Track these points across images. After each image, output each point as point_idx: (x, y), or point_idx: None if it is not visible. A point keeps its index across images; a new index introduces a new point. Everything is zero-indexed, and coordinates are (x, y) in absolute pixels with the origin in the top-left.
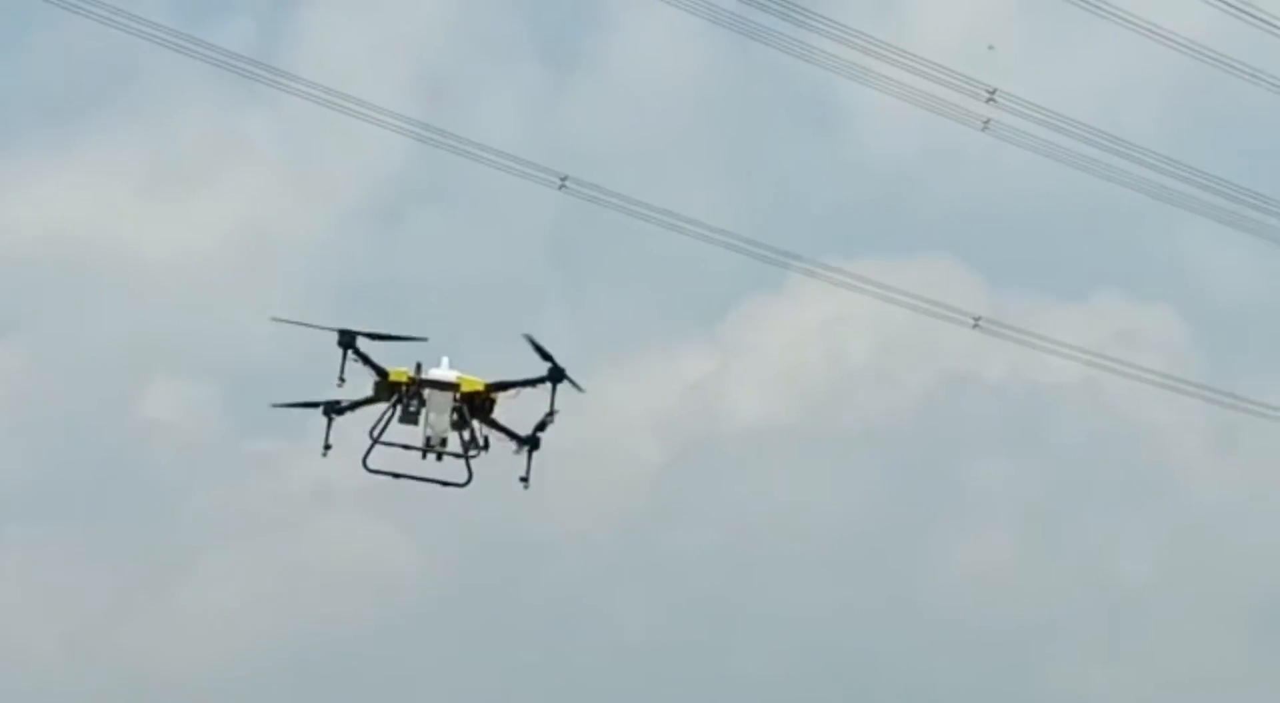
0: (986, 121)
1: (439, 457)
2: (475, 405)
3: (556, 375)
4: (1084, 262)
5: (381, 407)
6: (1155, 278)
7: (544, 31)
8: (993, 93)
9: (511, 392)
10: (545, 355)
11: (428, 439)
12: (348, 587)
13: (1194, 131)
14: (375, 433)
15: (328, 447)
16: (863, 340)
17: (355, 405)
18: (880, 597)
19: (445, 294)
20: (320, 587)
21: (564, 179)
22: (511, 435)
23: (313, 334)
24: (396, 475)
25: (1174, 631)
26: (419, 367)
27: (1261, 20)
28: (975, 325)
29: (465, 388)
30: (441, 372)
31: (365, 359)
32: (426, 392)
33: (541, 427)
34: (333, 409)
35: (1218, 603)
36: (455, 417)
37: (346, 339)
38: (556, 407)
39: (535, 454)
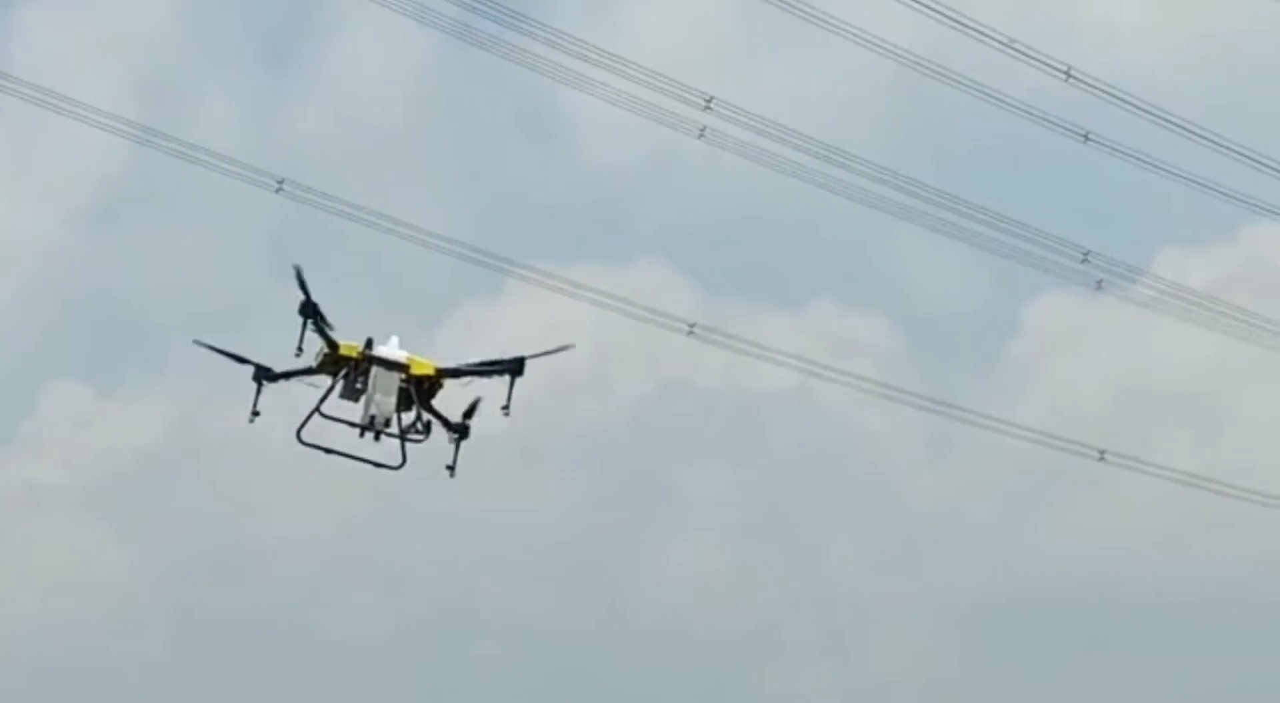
0: (703, 129)
1: (376, 437)
2: (421, 389)
3: (517, 368)
4: (800, 270)
5: (316, 378)
6: (870, 286)
7: (263, 34)
8: (709, 100)
9: (464, 380)
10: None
11: (371, 418)
12: (56, 590)
13: (906, 139)
14: (318, 407)
15: (255, 413)
16: (580, 347)
17: (290, 375)
18: (598, 605)
19: (163, 296)
20: (28, 589)
21: (281, 182)
22: (444, 423)
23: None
24: (329, 451)
25: (890, 634)
26: (369, 342)
27: (972, 28)
28: (690, 332)
29: (414, 370)
30: (391, 350)
31: (322, 331)
32: (374, 370)
33: (469, 414)
34: (264, 375)
35: (932, 607)
36: (400, 398)
37: (309, 309)
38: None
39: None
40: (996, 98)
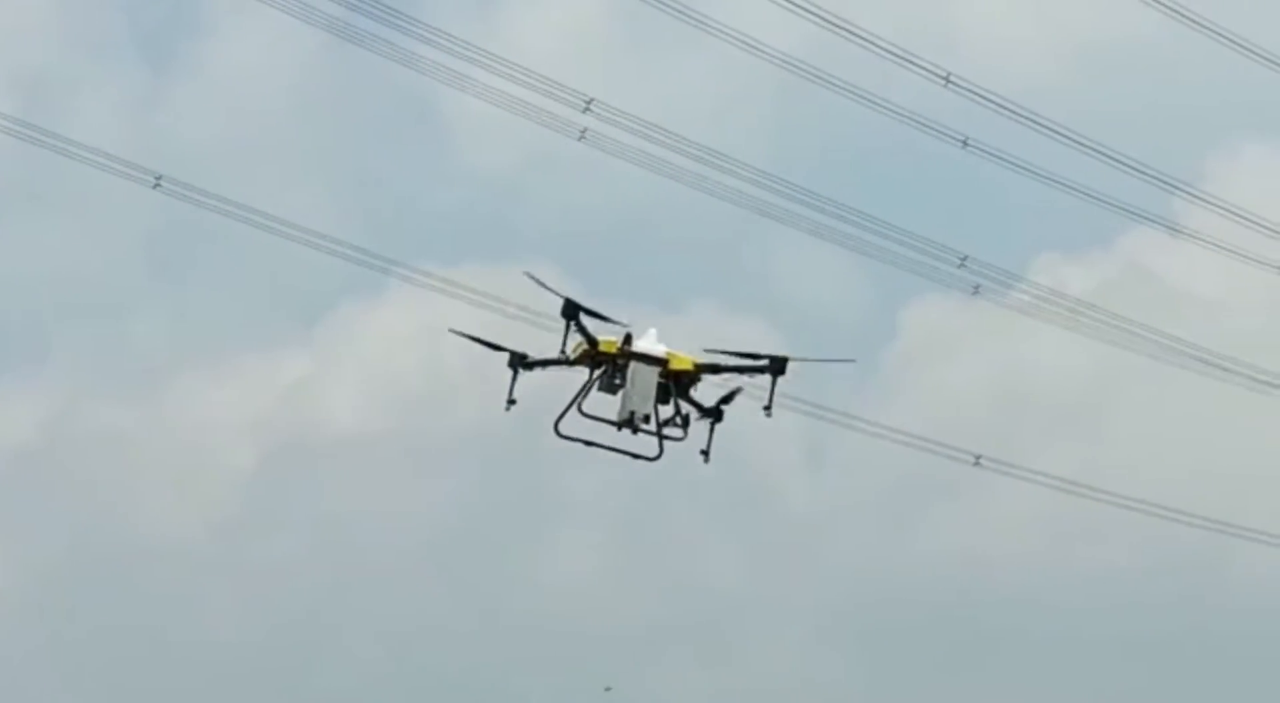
0: (583, 131)
1: (634, 430)
2: (680, 383)
3: (778, 367)
4: (680, 272)
5: (565, 369)
6: (750, 290)
7: (143, 30)
8: (589, 102)
9: (722, 376)
10: (752, 356)
11: (631, 414)
12: None
13: (787, 143)
14: (577, 400)
15: (512, 401)
16: (460, 347)
17: (545, 364)
18: (477, 607)
19: (39, 291)
20: None
21: (159, 179)
22: (698, 408)
23: None
24: (588, 443)
25: (767, 638)
26: (628, 337)
27: (853, 33)
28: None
29: (673, 365)
30: (650, 345)
31: (583, 329)
32: (633, 365)
33: (728, 399)
34: (520, 362)
35: (809, 611)
36: (658, 392)
37: (571, 310)
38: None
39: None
40: (877, 103)
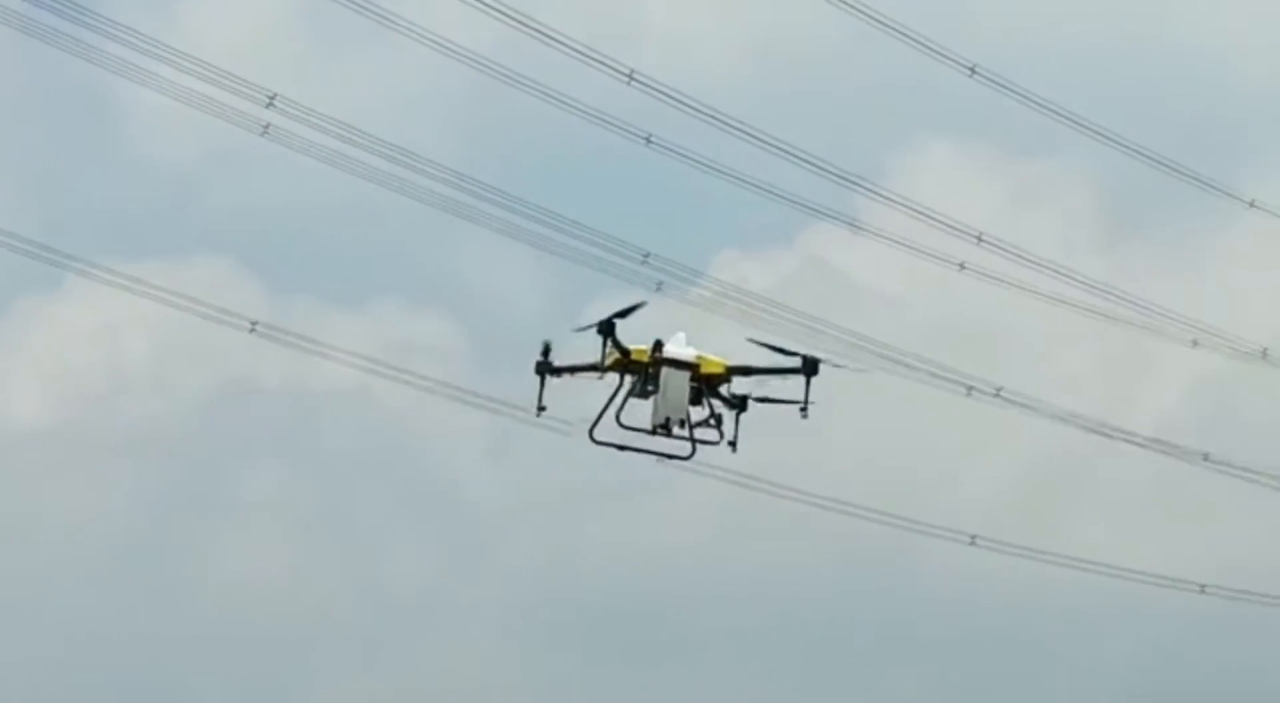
0: (266, 126)
1: (668, 434)
2: (711, 385)
3: (810, 367)
4: (364, 269)
5: (594, 375)
6: (433, 287)
7: None
8: (273, 98)
9: (755, 379)
10: (781, 350)
11: (666, 419)
12: None
13: (474, 141)
14: (616, 411)
15: (541, 408)
16: (139, 344)
17: (574, 370)
18: (150, 607)
19: None
20: None
21: None
22: (725, 401)
23: None
24: (622, 448)
25: (449, 636)
26: (658, 344)
27: (539, 31)
28: (252, 330)
29: (705, 369)
30: (679, 350)
31: (618, 343)
32: (664, 371)
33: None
34: (547, 368)
35: (491, 607)
36: (691, 396)
37: (607, 327)
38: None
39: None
40: (563, 101)
